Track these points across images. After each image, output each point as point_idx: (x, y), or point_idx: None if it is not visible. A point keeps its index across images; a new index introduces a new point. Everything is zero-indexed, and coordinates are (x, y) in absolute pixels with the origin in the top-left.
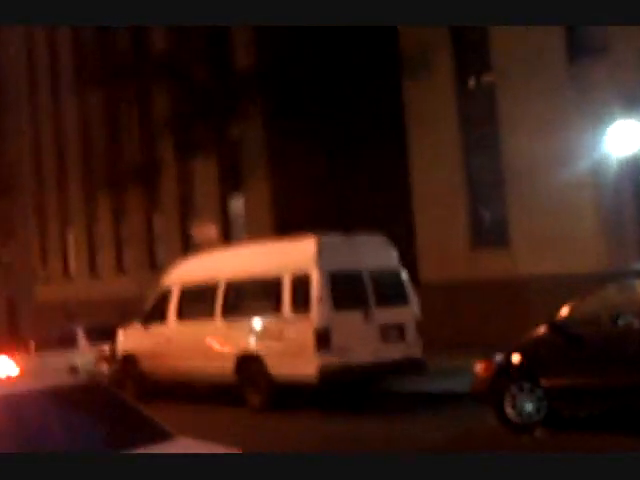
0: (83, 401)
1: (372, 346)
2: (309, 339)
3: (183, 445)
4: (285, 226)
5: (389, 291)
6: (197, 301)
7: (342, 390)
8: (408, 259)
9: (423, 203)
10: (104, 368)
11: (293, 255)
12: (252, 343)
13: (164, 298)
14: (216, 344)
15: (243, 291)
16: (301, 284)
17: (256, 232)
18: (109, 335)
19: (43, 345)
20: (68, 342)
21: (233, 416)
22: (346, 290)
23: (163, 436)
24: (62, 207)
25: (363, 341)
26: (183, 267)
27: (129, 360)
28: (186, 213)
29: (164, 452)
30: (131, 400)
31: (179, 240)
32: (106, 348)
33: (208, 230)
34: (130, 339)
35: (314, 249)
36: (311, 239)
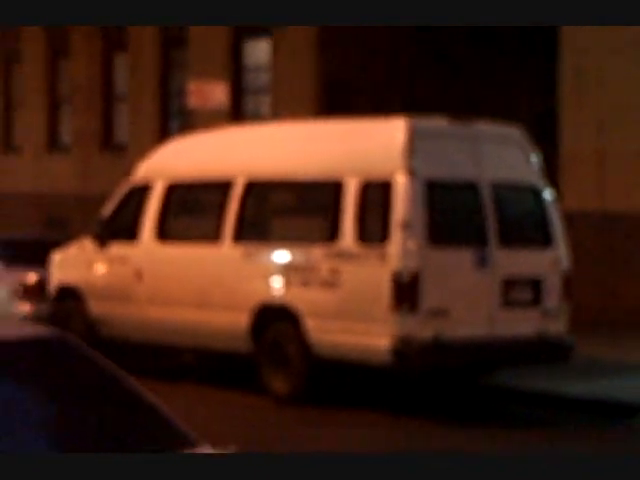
0: (37, 369)
1: (487, 312)
2: (382, 290)
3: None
4: (341, 97)
5: (522, 222)
6: (193, 211)
7: (429, 382)
8: (547, 175)
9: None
10: (26, 308)
11: (365, 147)
12: (282, 289)
13: (136, 202)
14: (220, 286)
15: (273, 200)
16: (376, 196)
17: (288, 101)
18: (36, 255)
19: None
20: None
21: (243, 407)
22: (451, 213)
23: (182, 441)
24: None
25: (473, 302)
26: (171, 153)
27: (69, 298)
28: (172, 60)
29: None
30: (121, 371)
31: (156, 103)
32: (31, 276)
33: (212, 91)
34: (73, 265)
35: (403, 139)
36: (398, 123)
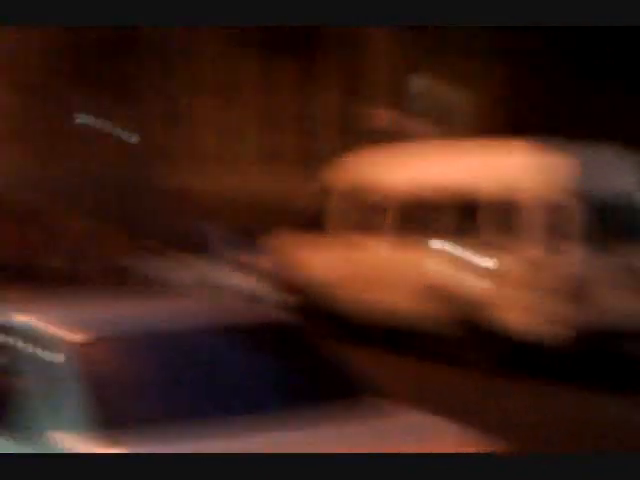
0: (272, 351)
1: (631, 305)
2: (560, 288)
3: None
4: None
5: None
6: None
7: (594, 361)
8: None
9: None
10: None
11: (533, 168)
12: (477, 286)
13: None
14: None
15: (436, 207)
16: (549, 211)
17: (455, 127)
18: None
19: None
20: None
21: (449, 377)
22: (608, 224)
23: (369, 390)
24: (195, 68)
25: (622, 297)
26: (355, 164)
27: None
28: (350, 92)
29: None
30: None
31: (338, 126)
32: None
33: (387, 116)
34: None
35: (571, 165)
36: (532, 145)
